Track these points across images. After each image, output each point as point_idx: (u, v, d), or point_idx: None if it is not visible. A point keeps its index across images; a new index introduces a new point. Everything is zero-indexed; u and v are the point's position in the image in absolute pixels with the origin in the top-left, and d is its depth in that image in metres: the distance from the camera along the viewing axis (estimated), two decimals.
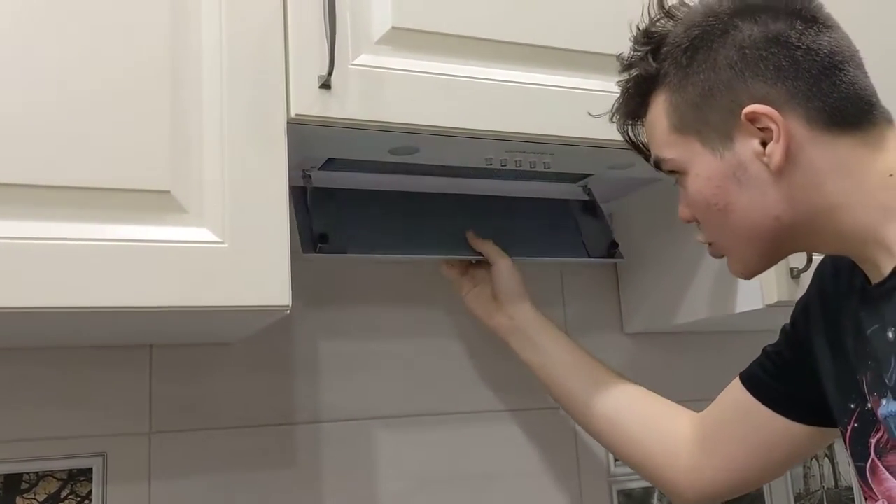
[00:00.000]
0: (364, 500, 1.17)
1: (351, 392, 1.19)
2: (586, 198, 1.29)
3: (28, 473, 1.02)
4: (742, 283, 1.15)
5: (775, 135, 0.78)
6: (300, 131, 0.91)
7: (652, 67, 0.84)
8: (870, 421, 0.81)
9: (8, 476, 1.01)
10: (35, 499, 1.02)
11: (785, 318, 1.14)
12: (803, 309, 0.96)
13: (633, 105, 0.89)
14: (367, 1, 0.95)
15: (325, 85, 0.91)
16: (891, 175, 0.79)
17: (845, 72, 0.79)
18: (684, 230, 1.23)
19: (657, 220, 1.30)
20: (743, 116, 0.79)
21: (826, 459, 1.48)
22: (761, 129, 0.79)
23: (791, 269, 1.11)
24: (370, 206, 1.15)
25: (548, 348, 1.14)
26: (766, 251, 0.85)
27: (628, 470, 1.32)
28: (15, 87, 0.78)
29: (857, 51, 0.82)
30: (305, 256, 1.04)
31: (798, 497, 1.44)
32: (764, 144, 0.79)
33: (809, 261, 1.09)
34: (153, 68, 0.84)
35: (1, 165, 0.77)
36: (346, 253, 1.07)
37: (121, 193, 0.81)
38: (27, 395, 1.03)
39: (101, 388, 1.07)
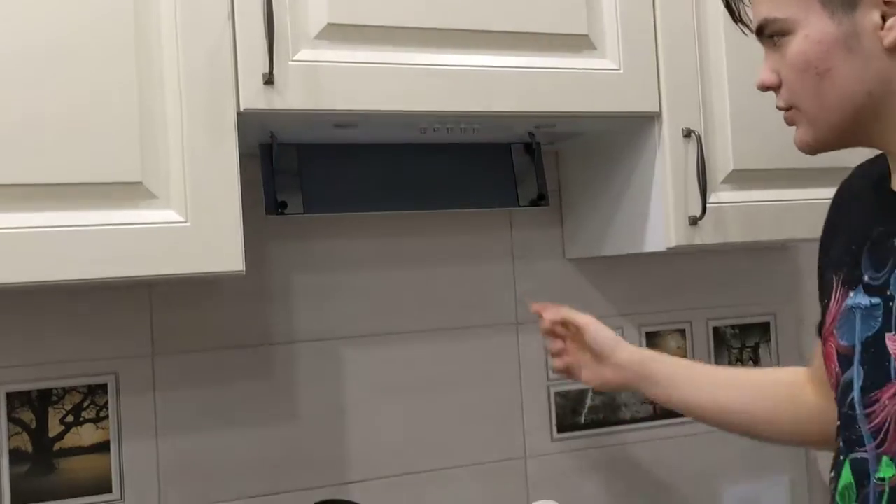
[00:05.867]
0: (332, 407, 1.41)
1: (320, 316, 1.41)
2: (528, 140, 1.45)
3: (56, 389, 1.28)
4: (649, 226, 1.32)
5: None
6: (251, 120, 1.09)
7: None
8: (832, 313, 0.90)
9: (41, 391, 1.27)
10: (63, 408, 1.28)
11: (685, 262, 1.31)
12: (827, 228, 1.01)
13: None
14: (304, 1, 1.11)
15: (269, 81, 1.08)
16: None
17: None
18: (613, 171, 1.40)
19: (594, 162, 1.47)
20: None
21: None
22: (886, 3, 0.82)
23: (689, 217, 1.27)
24: (327, 158, 1.33)
25: (669, 381, 1.18)
26: (841, 126, 0.87)
27: None
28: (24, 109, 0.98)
29: None
30: (269, 217, 1.24)
31: None
32: (884, 19, 0.82)
33: (704, 209, 1.26)
34: (123, 82, 1.02)
35: (10, 169, 0.98)
36: (302, 213, 1.27)
37: (104, 186, 1.01)
38: (51, 327, 1.27)
39: (111, 320, 1.30)
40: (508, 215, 1.52)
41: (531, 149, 1.45)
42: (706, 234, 1.28)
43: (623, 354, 1.21)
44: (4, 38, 0.98)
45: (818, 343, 1.01)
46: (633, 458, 1.59)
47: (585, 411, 1.56)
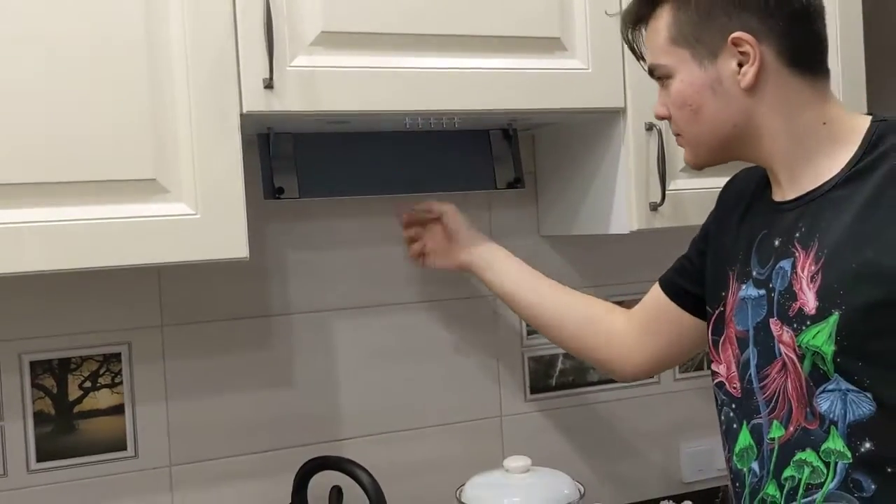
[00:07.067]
0: (325, 372, 1.55)
1: (314, 290, 1.54)
2: (506, 126, 1.57)
3: (75, 357, 1.41)
4: (615, 210, 1.44)
5: (751, 59, 0.99)
6: (252, 120, 1.21)
7: None
8: (730, 304, 1.09)
9: (61, 360, 1.40)
10: (81, 375, 1.41)
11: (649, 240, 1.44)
12: (715, 220, 1.20)
13: (643, 11, 1.08)
14: (300, 11, 1.21)
15: (269, 86, 1.19)
16: (824, 123, 1.02)
17: (815, 23, 1.03)
18: (583, 159, 1.53)
19: (566, 150, 1.59)
20: (730, 40, 1.00)
21: None
22: (741, 53, 1.00)
23: (650, 203, 1.40)
24: (320, 146, 1.44)
25: (502, 270, 1.40)
26: (716, 150, 1.07)
27: (538, 341, 1.69)
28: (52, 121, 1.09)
29: (825, 7, 1.04)
30: (267, 202, 1.37)
31: None
32: (740, 66, 1.00)
33: (664, 196, 1.39)
34: (137, 91, 1.13)
35: (40, 170, 1.09)
36: (298, 198, 1.39)
37: (122, 183, 1.13)
38: (70, 302, 1.40)
39: (124, 295, 1.43)
40: (487, 197, 1.64)
41: (508, 135, 1.57)
42: (665, 219, 1.41)
43: (476, 239, 1.43)
44: (31, 57, 1.08)
45: (655, 290, 1.29)
46: (599, 417, 1.74)
47: (556, 374, 1.71)
